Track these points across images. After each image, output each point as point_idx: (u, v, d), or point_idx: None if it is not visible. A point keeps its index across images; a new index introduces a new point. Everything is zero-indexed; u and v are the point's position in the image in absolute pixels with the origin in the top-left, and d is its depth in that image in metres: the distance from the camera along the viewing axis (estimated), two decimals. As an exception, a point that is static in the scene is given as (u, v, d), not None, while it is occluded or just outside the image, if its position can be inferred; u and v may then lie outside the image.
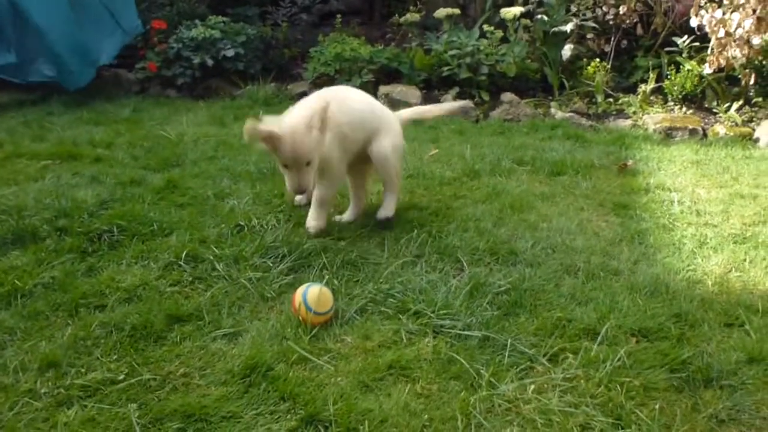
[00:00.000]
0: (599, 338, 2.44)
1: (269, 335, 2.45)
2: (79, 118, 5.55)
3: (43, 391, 2.15)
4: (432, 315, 2.55)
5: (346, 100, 3.28)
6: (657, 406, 2.12)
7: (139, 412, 2.05)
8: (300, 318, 2.51)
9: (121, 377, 2.21)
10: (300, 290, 2.56)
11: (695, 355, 2.36)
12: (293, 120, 2.99)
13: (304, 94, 6.37)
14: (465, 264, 3.00)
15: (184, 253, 3.00)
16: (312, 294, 2.53)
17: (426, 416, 2.06)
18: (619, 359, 2.31)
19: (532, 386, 2.20)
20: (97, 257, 3.03)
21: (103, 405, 2.09)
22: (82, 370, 2.25)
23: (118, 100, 6.21)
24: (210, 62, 6.47)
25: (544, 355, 2.36)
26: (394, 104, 5.99)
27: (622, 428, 2.04)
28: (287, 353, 2.34)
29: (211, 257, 2.99)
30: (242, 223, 3.31)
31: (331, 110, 3.00)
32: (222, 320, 2.56)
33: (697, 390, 2.21)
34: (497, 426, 2.04)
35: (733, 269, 3.05)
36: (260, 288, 2.77)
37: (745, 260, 3.13)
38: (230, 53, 6.52)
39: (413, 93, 6.18)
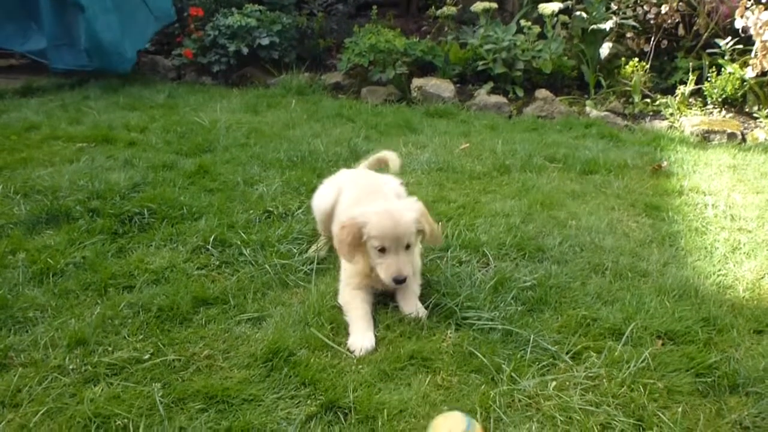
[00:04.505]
0: (624, 338, 2.41)
1: (292, 321, 2.47)
2: (115, 103, 5.65)
3: (71, 367, 2.20)
4: (455, 308, 2.54)
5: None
6: (680, 410, 2.09)
7: (162, 391, 2.09)
8: None
9: (147, 357, 2.26)
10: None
11: (722, 360, 2.31)
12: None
13: (337, 85, 6.45)
14: (491, 258, 2.98)
15: (213, 237, 3.04)
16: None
17: (445, 408, 2.06)
18: (643, 360, 2.28)
19: (554, 383, 2.18)
20: (128, 239, 3.09)
21: (128, 383, 2.13)
22: (109, 349, 2.30)
23: (154, 86, 6.30)
24: (245, 50, 6.52)
25: (567, 353, 2.34)
26: (428, 97, 5.99)
27: (644, 430, 2.02)
28: (309, 339, 2.36)
29: (239, 242, 3.02)
30: (270, 210, 3.34)
31: None
32: (247, 305, 2.59)
33: (722, 395, 2.18)
34: (516, 421, 2.03)
35: (766, 276, 2.98)
36: (285, 274, 2.80)
37: (779, 267, 3.06)
38: (265, 42, 6.56)
39: (447, 86, 6.15)
